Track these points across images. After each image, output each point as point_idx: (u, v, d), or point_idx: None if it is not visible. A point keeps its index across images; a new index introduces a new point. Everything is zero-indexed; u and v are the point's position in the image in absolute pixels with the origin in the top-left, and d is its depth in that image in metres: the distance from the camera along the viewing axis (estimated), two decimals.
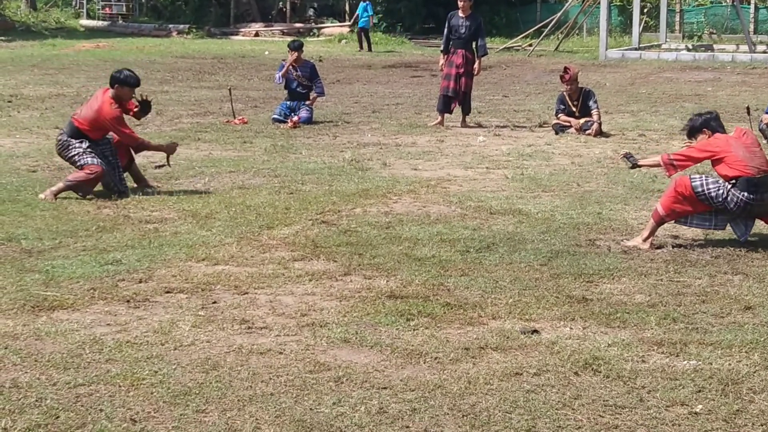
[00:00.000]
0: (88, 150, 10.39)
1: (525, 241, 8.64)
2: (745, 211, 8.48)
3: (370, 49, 35.37)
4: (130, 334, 6.28)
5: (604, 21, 31.70)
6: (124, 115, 10.71)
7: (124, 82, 10.53)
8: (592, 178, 11.66)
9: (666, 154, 8.86)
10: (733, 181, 8.38)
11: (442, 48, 16.79)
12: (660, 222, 8.59)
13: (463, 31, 16.34)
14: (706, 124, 8.69)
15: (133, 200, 10.27)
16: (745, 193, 8.35)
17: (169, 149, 11.09)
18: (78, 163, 10.34)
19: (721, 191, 8.38)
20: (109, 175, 10.41)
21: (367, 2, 36.31)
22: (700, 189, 8.43)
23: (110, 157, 10.53)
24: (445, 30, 16.55)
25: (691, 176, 8.66)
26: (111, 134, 10.69)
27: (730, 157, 8.41)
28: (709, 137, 8.62)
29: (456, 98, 16.45)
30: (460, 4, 16.33)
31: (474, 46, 16.56)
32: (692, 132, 8.80)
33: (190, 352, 5.97)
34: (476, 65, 16.54)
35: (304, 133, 15.35)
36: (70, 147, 10.42)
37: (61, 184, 10.33)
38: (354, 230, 9.04)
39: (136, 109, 10.85)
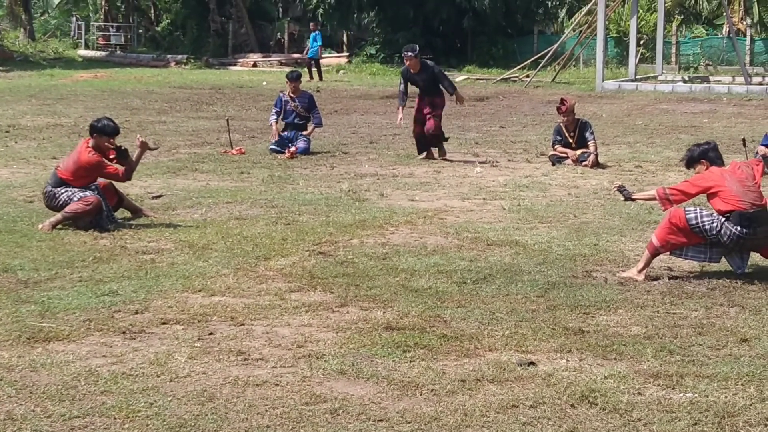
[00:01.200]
0: (77, 190, 10.40)
1: (522, 273, 8.64)
2: (738, 245, 8.49)
3: (321, 78, 35.42)
4: (125, 366, 6.27)
5: (601, 52, 31.83)
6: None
7: (101, 131, 10.56)
8: (588, 210, 11.67)
9: (662, 188, 8.88)
10: (727, 215, 8.40)
11: (398, 103, 16.62)
12: (655, 253, 8.61)
13: (421, 84, 16.16)
14: (704, 155, 8.72)
15: (129, 231, 10.27)
16: (739, 227, 8.37)
17: (144, 148, 10.90)
18: (72, 200, 10.33)
19: (715, 224, 8.40)
20: (99, 215, 10.37)
21: (317, 32, 36.47)
22: (694, 221, 8.45)
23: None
24: (401, 85, 16.35)
25: (686, 208, 8.67)
26: (97, 182, 10.67)
27: (724, 191, 8.43)
28: (707, 168, 8.64)
29: (426, 143, 16.22)
30: (407, 63, 16.11)
31: (440, 88, 16.20)
32: (690, 163, 8.83)
33: (186, 384, 5.96)
34: (456, 97, 16.21)
35: (301, 164, 15.38)
36: (57, 195, 10.41)
37: (59, 216, 10.32)
38: (351, 261, 9.04)
39: (112, 157, 10.75)
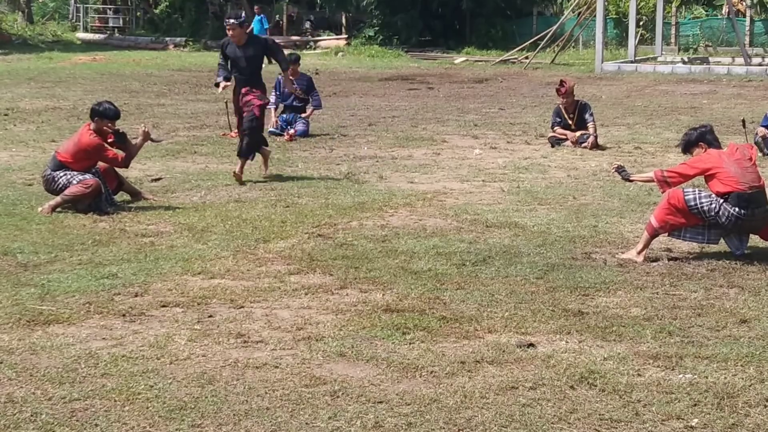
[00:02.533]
0: (76, 173, 10.39)
1: (521, 255, 8.64)
2: (737, 226, 8.49)
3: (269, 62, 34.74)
4: (125, 349, 6.28)
5: (600, 34, 31.74)
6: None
7: (103, 115, 10.56)
8: (587, 191, 11.67)
9: (660, 170, 8.88)
10: (726, 196, 8.40)
11: (218, 74, 12.73)
12: (654, 234, 8.61)
13: (243, 64, 12.42)
14: (701, 137, 8.71)
15: (128, 214, 10.27)
16: (737, 208, 8.37)
17: (146, 138, 10.98)
18: (71, 183, 10.32)
19: (713, 205, 8.40)
20: (99, 198, 10.37)
21: (262, 15, 36.00)
22: (693, 203, 8.45)
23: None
24: (220, 58, 12.75)
25: (685, 189, 8.67)
26: (97, 165, 10.66)
27: (722, 173, 8.43)
28: (705, 150, 8.64)
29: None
30: (229, 32, 12.40)
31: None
32: (688, 146, 8.81)
33: (186, 367, 5.97)
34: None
35: (300, 146, 15.36)
36: (57, 179, 10.39)
37: (58, 199, 10.31)
38: (350, 243, 9.04)
39: (110, 140, 10.75)
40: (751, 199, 8.41)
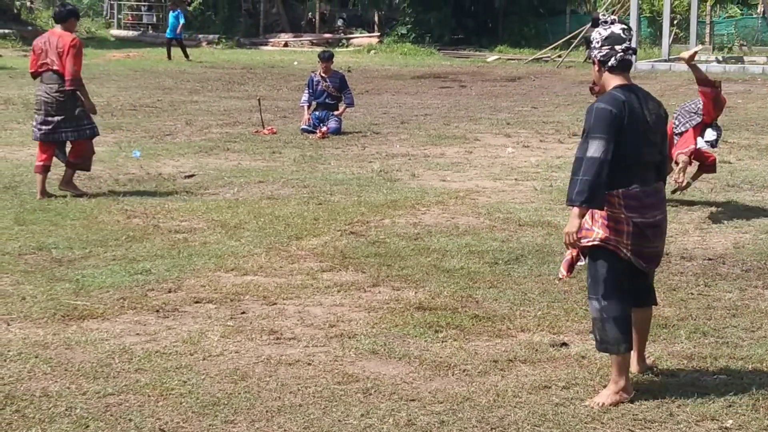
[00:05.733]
0: None
1: (554, 253, 8.61)
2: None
3: (169, 58, 34.00)
4: (159, 344, 6.30)
5: (634, 32, 31.54)
6: None
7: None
8: None
9: None
10: None
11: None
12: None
13: None
14: None
15: (162, 210, 10.32)
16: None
17: (87, 107, 11.18)
18: None
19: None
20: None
21: (178, 11, 35.33)
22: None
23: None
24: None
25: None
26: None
27: None
28: None
29: None
30: None
31: None
32: None
33: (219, 363, 5.99)
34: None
35: (332, 144, 15.37)
36: None
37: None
38: (383, 241, 9.04)
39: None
40: None
